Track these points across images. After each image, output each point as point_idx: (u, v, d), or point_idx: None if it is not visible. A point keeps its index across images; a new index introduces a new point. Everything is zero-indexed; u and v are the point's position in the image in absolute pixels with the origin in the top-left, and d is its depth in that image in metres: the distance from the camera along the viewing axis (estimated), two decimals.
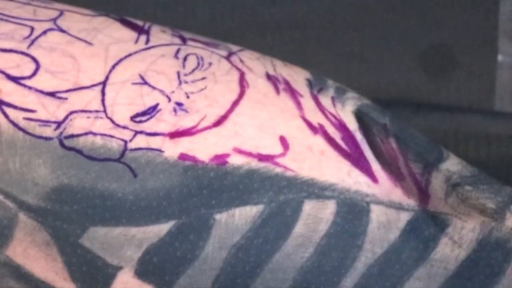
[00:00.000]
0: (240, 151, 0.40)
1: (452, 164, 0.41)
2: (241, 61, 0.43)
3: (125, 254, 0.39)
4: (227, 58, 0.43)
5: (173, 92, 0.40)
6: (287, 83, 0.43)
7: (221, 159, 0.39)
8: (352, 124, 0.43)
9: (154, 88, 0.40)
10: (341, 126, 0.42)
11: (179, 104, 0.40)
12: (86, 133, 0.39)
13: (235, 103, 0.41)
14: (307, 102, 0.42)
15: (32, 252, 0.39)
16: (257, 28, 0.56)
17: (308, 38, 0.58)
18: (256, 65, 0.43)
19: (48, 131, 0.39)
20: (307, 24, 0.59)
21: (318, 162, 0.41)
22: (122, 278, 0.39)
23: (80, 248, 0.39)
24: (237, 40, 0.47)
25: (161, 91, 0.40)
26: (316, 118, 0.42)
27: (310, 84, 0.44)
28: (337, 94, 0.44)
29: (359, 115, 0.43)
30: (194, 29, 0.47)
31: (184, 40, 0.44)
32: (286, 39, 0.56)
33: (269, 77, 0.43)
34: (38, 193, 0.38)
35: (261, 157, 0.40)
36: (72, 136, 0.39)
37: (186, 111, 0.40)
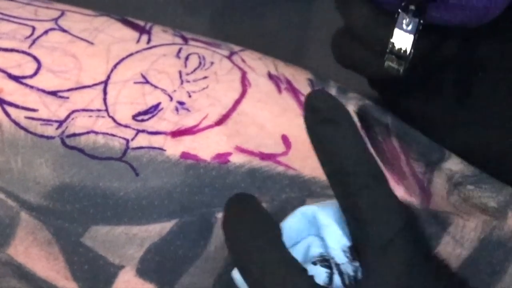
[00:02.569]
0: (242, 150, 0.40)
1: (453, 164, 0.41)
2: (243, 60, 0.43)
3: (126, 253, 0.39)
4: (229, 57, 0.43)
5: (175, 91, 0.40)
6: (288, 82, 0.43)
7: (223, 157, 0.39)
8: None
9: (156, 87, 0.40)
10: None
11: (181, 103, 0.40)
12: (87, 132, 0.39)
13: (237, 102, 0.41)
14: None
15: (33, 251, 0.39)
16: (258, 28, 0.56)
17: (308, 38, 0.58)
18: (257, 64, 0.43)
19: (50, 130, 0.39)
20: (307, 24, 0.59)
21: None
22: (124, 277, 0.39)
23: (82, 247, 0.39)
24: (238, 40, 0.47)
25: (163, 90, 0.40)
26: None
27: (311, 83, 0.44)
28: (339, 94, 0.44)
29: (361, 115, 0.43)
30: (194, 29, 0.47)
31: (185, 40, 0.44)
32: (286, 39, 0.56)
33: (271, 76, 0.43)
34: (40, 192, 0.38)
35: (263, 156, 0.40)
36: (73, 135, 0.39)
37: (188, 110, 0.40)
